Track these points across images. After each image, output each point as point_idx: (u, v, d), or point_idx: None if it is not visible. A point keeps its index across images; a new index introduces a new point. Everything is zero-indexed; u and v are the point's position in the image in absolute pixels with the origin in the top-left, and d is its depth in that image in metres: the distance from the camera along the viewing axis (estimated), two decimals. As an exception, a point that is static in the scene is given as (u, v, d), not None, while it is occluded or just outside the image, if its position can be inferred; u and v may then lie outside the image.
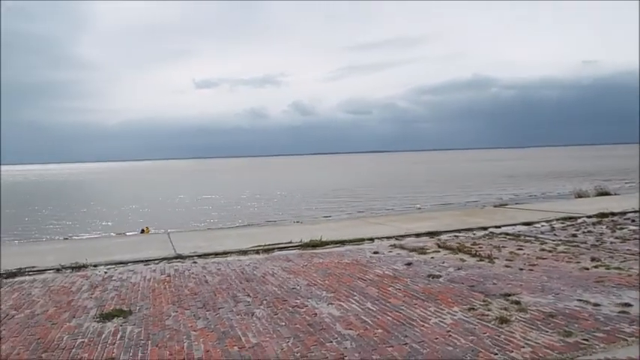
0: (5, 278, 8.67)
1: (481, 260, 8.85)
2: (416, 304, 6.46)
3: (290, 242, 10.93)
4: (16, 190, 68.07)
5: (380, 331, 5.55)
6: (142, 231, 20.68)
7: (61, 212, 36.06)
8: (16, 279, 8.64)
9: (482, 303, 6.37)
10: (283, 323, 5.90)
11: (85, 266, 9.33)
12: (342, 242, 11.01)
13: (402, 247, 10.33)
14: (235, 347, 5.19)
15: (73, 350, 5.25)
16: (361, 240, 11.20)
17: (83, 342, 5.49)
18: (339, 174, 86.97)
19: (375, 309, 6.34)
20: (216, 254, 10.07)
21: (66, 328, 5.98)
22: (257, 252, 10.21)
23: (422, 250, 9.85)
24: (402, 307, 6.35)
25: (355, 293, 7.07)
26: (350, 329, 5.64)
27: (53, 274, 8.96)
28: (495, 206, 19.58)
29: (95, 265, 9.39)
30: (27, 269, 9.19)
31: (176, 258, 9.84)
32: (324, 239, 11.02)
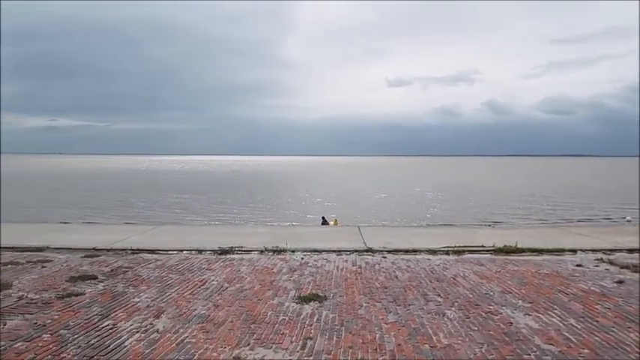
0: (219, 254, 9.82)
1: None
2: (630, 328, 5.69)
3: (482, 246, 10.47)
4: (230, 179, 76.92)
5: (586, 351, 5.01)
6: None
7: (265, 199, 39.73)
8: (228, 256, 9.73)
9: None
10: (476, 328, 5.67)
11: (284, 250, 10.12)
12: (540, 251, 10.18)
13: (610, 263, 9.18)
14: (426, 345, 5.14)
15: (276, 326, 5.73)
16: (561, 250, 10.23)
17: (284, 319, 5.96)
18: (534, 178, 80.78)
19: (579, 326, 5.73)
20: (406, 251, 10.10)
21: (270, 305, 6.54)
22: (447, 253, 9.99)
23: (636, 268, 8.63)
24: (613, 329, 5.64)
25: (556, 307, 6.48)
26: (550, 344, 5.19)
27: (257, 255, 9.88)
28: None
29: (293, 251, 10.13)
30: (236, 248, 10.28)
31: (367, 251, 10.12)
32: (519, 246, 10.32)
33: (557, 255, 9.91)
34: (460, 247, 10.41)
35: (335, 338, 5.36)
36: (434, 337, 5.36)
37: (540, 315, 6.14)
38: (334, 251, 10.09)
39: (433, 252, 10.06)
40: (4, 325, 5.70)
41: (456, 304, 6.59)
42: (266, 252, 10.05)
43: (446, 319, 5.99)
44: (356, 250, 10.14)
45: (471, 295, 6.98)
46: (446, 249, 10.23)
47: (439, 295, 6.98)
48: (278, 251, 10.08)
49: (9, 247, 10.15)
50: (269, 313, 6.17)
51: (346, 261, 9.27)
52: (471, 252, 10.09)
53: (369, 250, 10.16)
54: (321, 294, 7.01)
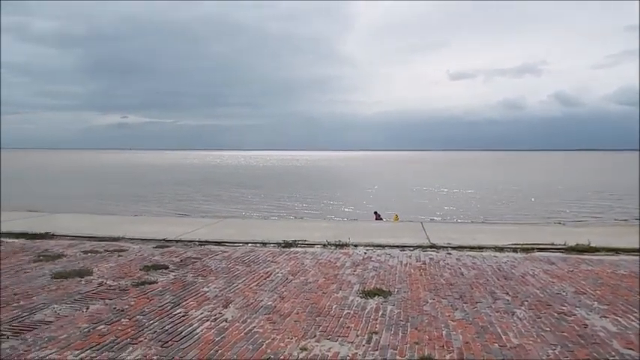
0: (283, 247, 9.98)
1: None
2: None
3: (552, 244, 10.06)
4: (289, 174, 77.93)
5: (672, 358, 4.72)
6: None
7: (322, 194, 40.01)
8: (291, 249, 9.87)
9: None
10: (548, 329, 5.47)
11: (347, 245, 10.15)
12: (616, 250, 9.67)
13: (697, 265, 8.60)
14: (496, 344, 5.02)
15: (341, 319, 5.77)
16: (640, 250, 9.68)
17: (349, 313, 5.99)
18: (606, 174, 76.70)
19: (664, 332, 5.42)
20: (471, 248, 9.88)
21: (334, 298, 6.59)
22: (514, 250, 9.68)
23: None
24: (701, 336, 5.29)
25: (635, 310, 6.14)
26: (630, 349, 4.94)
27: (320, 248, 9.97)
28: None
29: (355, 245, 10.14)
30: (299, 242, 10.41)
31: (430, 247, 9.98)
32: (592, 245, 9.85)
33: (636, 255, 9.39)
34: (528, 244, 10.06)
35: (400, 334, 5.33)
36: (503, 337, 5.22)
37: (618, 318, 5.85)
38: (397, 246, 10.02)
39: (500, 249, 9.77)
40: (88, 308, 6.06)
41: (525, 303, 6.39)
42: (329, 246, 10.11)
43: (515, 318, 5.82)
44: (419, 246, 10.02)
45: (541, 295, 6.74)
46: (513, 246, 9.92)
47: (507, 294, 6.79)
48: (341, 245, 10.12)
49: (89, 237, 10.77)
50: (334, 307, 6.22)
51: (410, 256, 9.18)
52: (541, 250, 9.73)
53: (433, 246, 10.02)
54: (385, 289, 6.99)
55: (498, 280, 7.53)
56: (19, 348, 4.85)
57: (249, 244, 10.30)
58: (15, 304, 6.20)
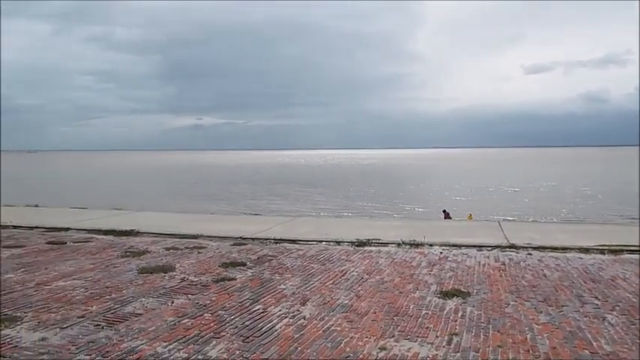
0: (356, 246, 9.98)
1: None
2: None
3: (643, 245, 9.43)
4: (361, 172, 77.89)
5: None
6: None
7: (394, 192, 39.67)
8: (365, 248, 9.84)
9: None
10: (644, 336, 5.13)
11: (421, 244, 9.99)
12: None
13: None
14: (586, 351, 4.76)
15: (420, 319, 5.69)
16: None
17: (427, 313, 5.89)
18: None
19: None
20: (553, 248, 9.43)
21: (411, 298, 6.51)
22: (601, 252, 9.15)
23: None
24: None
25: None
26: None
27: (394, 247, 9.87)
28: None
29: (431, 245, 9.96)
30: (373, 241, 10.37)
31: (509, 247, 9.62)
32: (690, 247, 9.13)
33: None
34: (617, 245, 9.47)
35: (482, 336, 5.18)
36: (594, 343, 4.95)
37: None
38: (474, 246, 9.74)
39: (585, 250, 9.27)
40: (172, 302, 6.34)
41: (617, 308, 6.02)
42: (403, 245, 9.99)
43: (606, 323, 5.49)
44: (498, 246, 9.69)
45: (634, 300, 6.33)
46: (600, 247, 9.37)
47: (596, 298, 6.43)
48: (415, 245, 9.97)
49: (170, 234, 11.27)
50: (411, 307, 6.14)
51: (488, 257, 8.90)
52: (631, 252, 9.13)
53: (512, 247, 9.65)
54: (463, 289, 6.81)
55: (585, 282, 7.15)
56: (113, 338, 5.14)
57: (323, 243, 10.38)
58: (107, 297, 6.59)
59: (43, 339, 5.14)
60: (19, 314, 5.88)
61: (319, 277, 7.64)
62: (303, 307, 6.16)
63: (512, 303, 6.23)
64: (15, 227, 12.50)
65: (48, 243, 10.37)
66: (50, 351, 4.84)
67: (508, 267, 8.11)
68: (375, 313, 5.93)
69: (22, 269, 8.11)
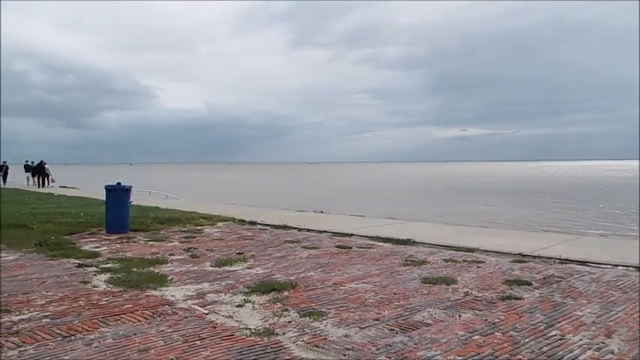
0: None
1: None
2: None
3: None
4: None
5: None
6: None
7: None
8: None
9: None
10: None
11: None
12: None
13: None
14: None
15: None
16: None
17: None
18: None
19: None
20: None
21: None
22: None
23: None
24: None
25: None
26: None
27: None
28: None
29: None
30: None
31: None
32: None
33: None
34: None
35: None
36: None
37: None
38: None
39: None
40: (460, 316, 6.33)
41: None
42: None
43: None
44: None
45: None
46: None
47: None
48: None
49: (445, 246, 11.37)
50: None
51: None
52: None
53: None
54: None
55: None
56: (409, 344, 5.37)
57: (620, 267, 9.12)
58: (396, 303, 6.95)
59: (346, 335, 5.67)
60: (324, 310, 6.62)
61: (622, 306, 6.70)
62: (608, 340, 5.47)
63: None
64: (308, 230, 14.29)
65: (337, 247, 11.53)
66: (354, 348, 5.29)
67: None
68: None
69: (320, 269, 9.15)
